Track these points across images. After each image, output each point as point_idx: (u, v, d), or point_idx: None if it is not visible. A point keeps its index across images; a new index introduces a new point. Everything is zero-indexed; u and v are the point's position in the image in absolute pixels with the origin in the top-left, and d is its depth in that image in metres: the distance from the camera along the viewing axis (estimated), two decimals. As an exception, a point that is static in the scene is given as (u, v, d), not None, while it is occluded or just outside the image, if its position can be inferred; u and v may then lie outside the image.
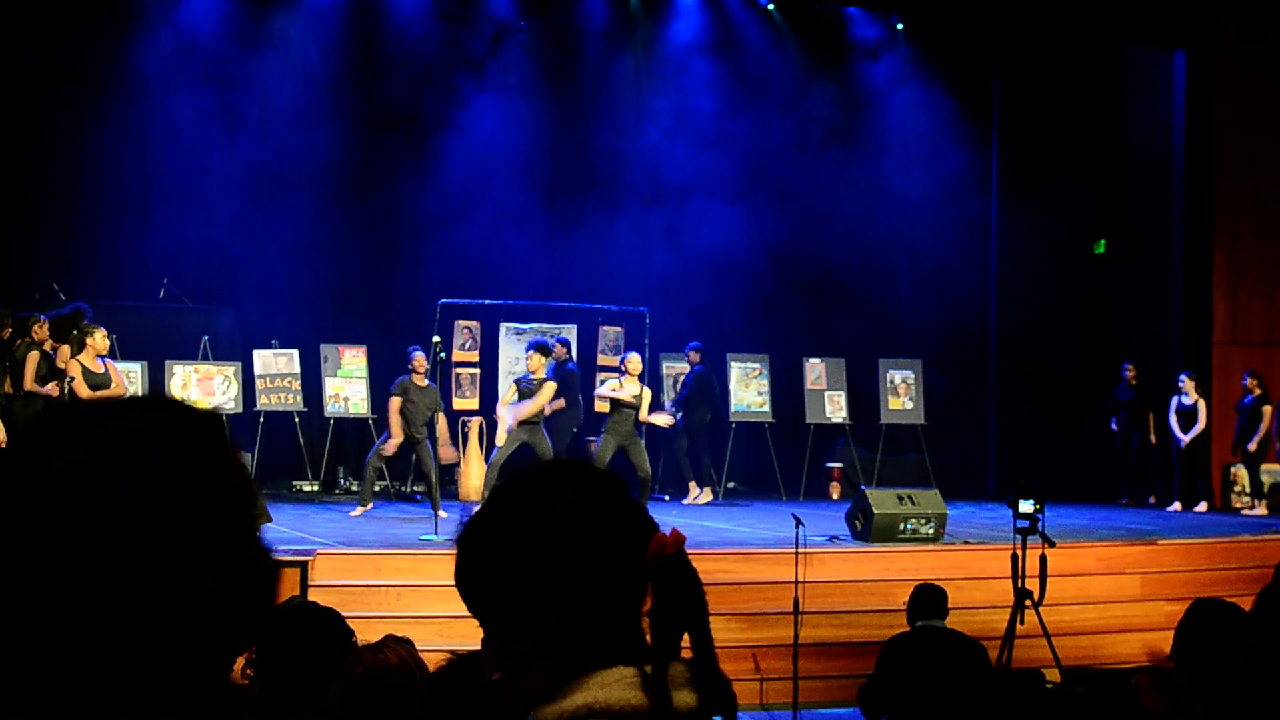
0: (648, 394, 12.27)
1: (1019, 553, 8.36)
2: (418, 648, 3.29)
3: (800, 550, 8.28)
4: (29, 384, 10.20)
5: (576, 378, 14.49)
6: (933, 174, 17.00)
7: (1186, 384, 14.81)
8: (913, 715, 6.18)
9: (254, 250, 15.17)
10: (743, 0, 16.89)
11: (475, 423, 15.06)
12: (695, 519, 12.76)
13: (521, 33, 16.23)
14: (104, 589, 1.09)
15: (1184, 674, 3.67)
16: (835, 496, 15.54)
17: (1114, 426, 15.50)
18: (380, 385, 15.36)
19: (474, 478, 14.89)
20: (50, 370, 10.38)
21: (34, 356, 10.26)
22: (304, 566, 8.97)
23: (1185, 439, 14.78)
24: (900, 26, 17.09)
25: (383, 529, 11.39)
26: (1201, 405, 14.75)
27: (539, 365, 12.18)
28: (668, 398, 15.90)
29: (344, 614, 3.73)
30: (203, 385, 14.10)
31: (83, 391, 9.88)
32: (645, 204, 16.31)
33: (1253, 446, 14.42)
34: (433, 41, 15.64)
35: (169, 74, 14.86)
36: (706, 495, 14.74)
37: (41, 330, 10.47)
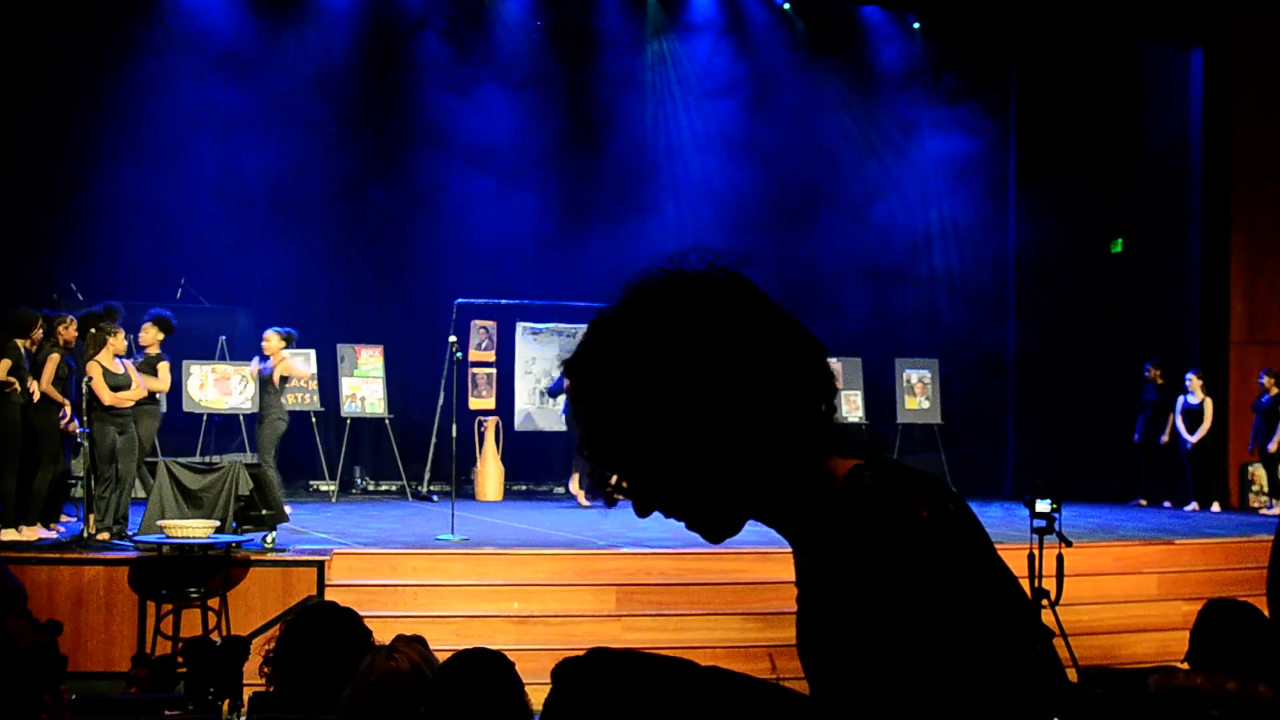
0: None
1: (1036, 552, 8.34)
2: (434, 647, 3.30)
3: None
4: (45, 386, 9.92)
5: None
6: (949, 172, 17.00)
7: (1193, 383, 14.69)
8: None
9: (271, 250, 15.23)
10: (760, 0, 16.89)
11: (491, 422, 15.10)
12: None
13: (536, 32, 16.27)
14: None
15: (1199, 674, 3.66)
16: (851, 496, 15.47)
17: (1139, 428, 15.32)
18: (397, 385, 15.42)
19: (491, 478, 14.95)
20: (72, 372, 10.18)
21: (54, 359, 9.98)
22: (321, 566, 9.00)
23: (1191, 439, 14.68)
24: (917, 26, 17.08)
25: (399, 528, 11.42)
26: (1208, 405, 14.61)
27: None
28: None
29: (360, 613, 3.75)
30: (220, 385, 14.15)
31: (104, 394, 9.75)
32: (662, 203, 16.31)
33: (1273, 447, 14.31)
34: (448, 41, 15.68)
35: (187, 75, 14.94)
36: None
37: (69, 330, 10.18)
